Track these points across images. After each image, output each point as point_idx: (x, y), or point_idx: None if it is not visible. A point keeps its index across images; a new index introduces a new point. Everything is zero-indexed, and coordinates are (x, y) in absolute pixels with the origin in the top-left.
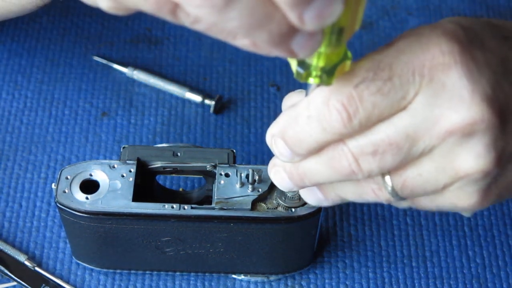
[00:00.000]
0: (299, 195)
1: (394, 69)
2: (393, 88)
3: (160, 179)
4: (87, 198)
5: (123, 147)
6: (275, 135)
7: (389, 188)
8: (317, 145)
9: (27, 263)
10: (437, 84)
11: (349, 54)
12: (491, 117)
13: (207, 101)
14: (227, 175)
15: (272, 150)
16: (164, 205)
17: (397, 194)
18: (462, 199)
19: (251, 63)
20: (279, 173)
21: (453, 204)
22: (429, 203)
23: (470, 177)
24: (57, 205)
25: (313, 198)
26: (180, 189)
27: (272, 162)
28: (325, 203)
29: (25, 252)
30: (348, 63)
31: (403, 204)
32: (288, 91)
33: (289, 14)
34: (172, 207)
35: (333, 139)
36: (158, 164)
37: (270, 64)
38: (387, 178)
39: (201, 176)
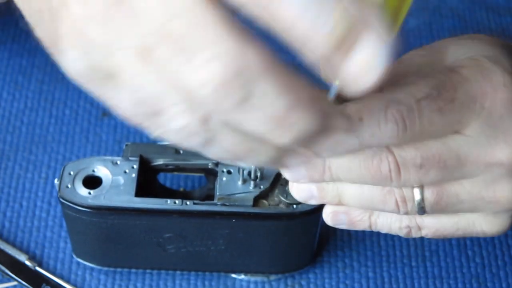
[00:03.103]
0: None
1: (458, 92)
2: (453, 110)
3: (161, 178)
4: (89, 193)
5: (126, 145)
6: None
7: (417, 201)
8: (359, 148)
9: (27, 262)
10: (495, 117)
11: None
12: None
13: None
14: (229, 172)
15: None
16: (167, 201)
17: (424, 208)
18: (494, 225)
19: None
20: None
21: (481, 229)
22: (452, 225)
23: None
24: (59, 200)
25: (303, 194)
26: (181, 189)
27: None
28: (314, 201)
29: (26, 251)
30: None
31: (417, 233)
32: None
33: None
34: (175, 203)
35: (377, 145)
36: (160, 161)
37: None
38: (417, 190)
39: (203, 174)
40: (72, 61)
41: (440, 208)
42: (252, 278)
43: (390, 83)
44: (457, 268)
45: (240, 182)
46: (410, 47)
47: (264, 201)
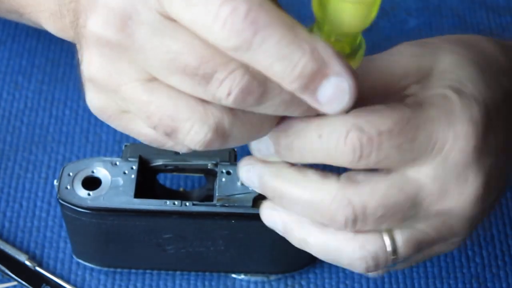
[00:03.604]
0: None
1: (419, 133)
2: (412, 149)
3: (160, 178)
4: (89, 194)
5: (125, 145)
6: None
7: (390, 247)
8: (312, 163)
9: (27, 262)
10: (450, 163)
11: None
12: (484, 208)
13: None
14: (228, 173)
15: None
16: (166, 202)
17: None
18: (453, 246)
19: None
20: (252, 171)
21: (443, 250)
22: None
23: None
24: (59, 202)
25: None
26: (181, 189)
27: (247, 160)
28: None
29: (26, 251)
30: (361, 52)
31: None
32: None
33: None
34: (174, 204)
35: (329, 163)
36: (159, 162)
37: None
38: (386, 236)
39: (202, 175)
40: (90, 100)
41: (411, 257)
42: (252, 278)
43: (375, 80)
44: (457, 268)
45: (239, 183)
46: None
47: (264, 202)
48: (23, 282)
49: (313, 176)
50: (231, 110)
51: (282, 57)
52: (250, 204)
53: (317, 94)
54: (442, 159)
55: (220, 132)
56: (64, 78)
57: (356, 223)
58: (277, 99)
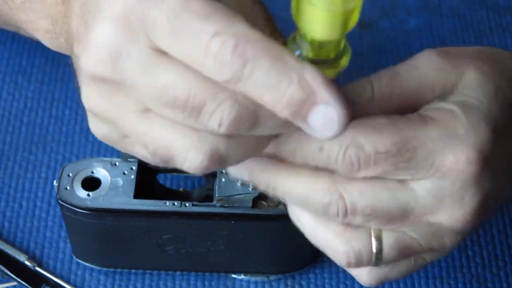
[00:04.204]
0: None
1: (418, 154)
2: (408, 168)
3: (160, 179)
4: (88, 195)
5: None
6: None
7: (375, 248)
8: (310, 167)
9: (27, 263)
10: (447, 182)
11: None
12: (475, 225)
13: None
14: (228, 173)
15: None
16: (166, 202)
17: (380, 260)
18: (440, 255)
19: None
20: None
21: (430, 259)
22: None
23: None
24: (58, 202)
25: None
26: (181, 189)
27: None
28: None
29: (26, 252)
30: (347, 56)
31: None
32: None
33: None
34: (173, 204)
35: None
36: None
37: None
38: (374, 243)
39: (202, 175)
40: (93, 128)
41: (397, 261)
42: (252, 278)
43: (404, 97)
44: (457, 268)
45: (239, 183)
46: (410, 47)
47: (263, 202)
48: (23, 282)
49: (306, 170)
50: (226, 135)
51: (270, 87)
52: (250, 204)
53: (307, 121)
54: (440, 176)
55: (216, 157)
56: (64, 78)
57: (346, 215)
58: (270, 123)
